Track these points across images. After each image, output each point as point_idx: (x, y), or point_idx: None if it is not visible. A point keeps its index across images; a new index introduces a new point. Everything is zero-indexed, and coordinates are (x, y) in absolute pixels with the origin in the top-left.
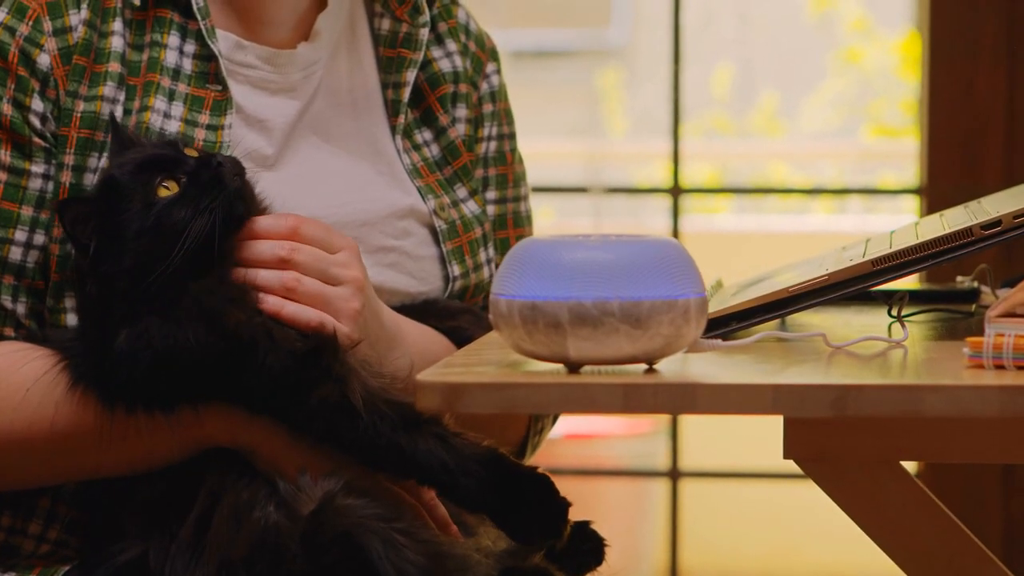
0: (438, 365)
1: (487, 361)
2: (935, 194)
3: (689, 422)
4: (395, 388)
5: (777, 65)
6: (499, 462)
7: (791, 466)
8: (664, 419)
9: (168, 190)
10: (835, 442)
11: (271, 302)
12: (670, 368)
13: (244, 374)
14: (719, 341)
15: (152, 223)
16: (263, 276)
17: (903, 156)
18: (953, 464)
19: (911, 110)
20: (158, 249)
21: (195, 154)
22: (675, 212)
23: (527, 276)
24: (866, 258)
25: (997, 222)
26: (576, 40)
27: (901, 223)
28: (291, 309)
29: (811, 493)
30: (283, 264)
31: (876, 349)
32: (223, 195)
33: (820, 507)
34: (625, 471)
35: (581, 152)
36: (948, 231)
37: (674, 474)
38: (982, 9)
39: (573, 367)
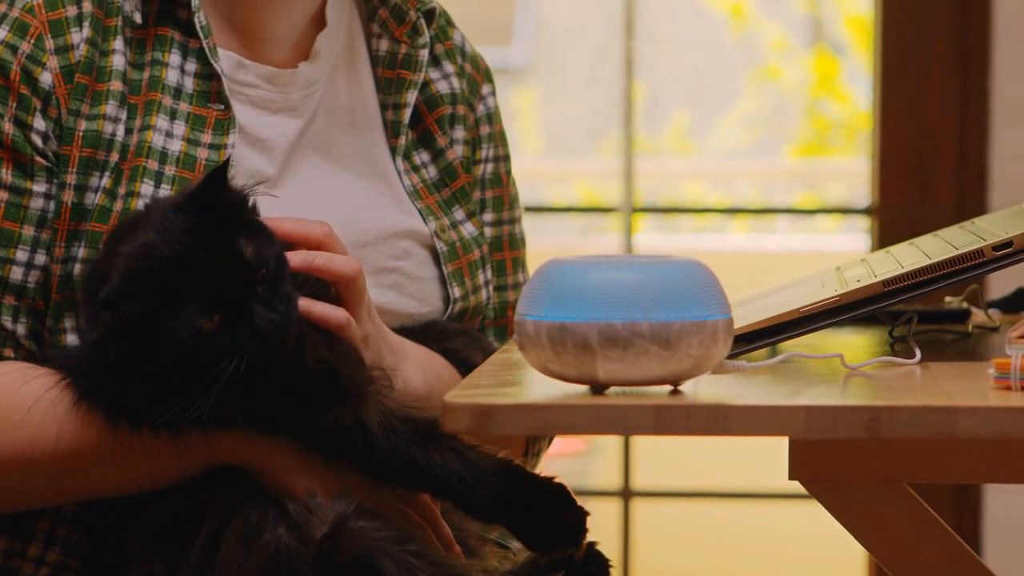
0: (461, 386)
1: (504, 383)
2: (887, 214)
3: (639, 441)
4: (410, 405)
5: (689, 84)
6: (515, 473)
7: (746, 485)
8: (600, 439)
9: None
10: (841, 463)
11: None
12: (692, 389)
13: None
14: (744, 362)
15: (181, 344)
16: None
17: (821, 175)
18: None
19: (827, 129)
20: (174, 370)
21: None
22: (629, 230)
23: (555, 297)
24: (877, 279)
25: (1008, 243)
26: None
27: (827, 241)
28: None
29: (769, 512)
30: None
31: (890, 370)
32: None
33: (777, 527)
34: (576, 491)
35: None
36: (960, 252)
37: (626, 494)
38: (933, 28)
39: (598, 388)
